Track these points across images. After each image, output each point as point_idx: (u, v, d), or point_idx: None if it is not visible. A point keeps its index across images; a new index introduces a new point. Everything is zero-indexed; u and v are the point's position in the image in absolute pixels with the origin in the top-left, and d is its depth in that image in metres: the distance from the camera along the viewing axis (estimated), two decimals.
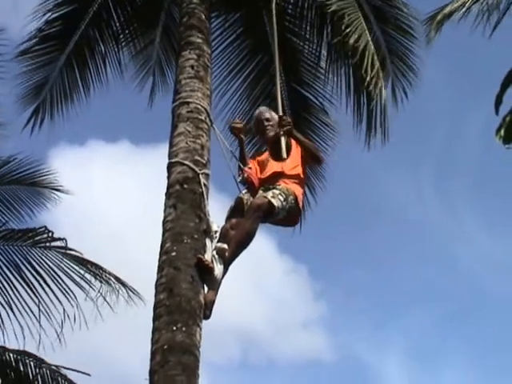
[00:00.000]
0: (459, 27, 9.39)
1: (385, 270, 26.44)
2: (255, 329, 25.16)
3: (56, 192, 11.50)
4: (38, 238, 10.08)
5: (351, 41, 8.50)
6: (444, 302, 26.26)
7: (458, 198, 26.93)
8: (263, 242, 21.28)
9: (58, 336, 9.44)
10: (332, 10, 8.75)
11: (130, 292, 10.06)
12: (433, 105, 22.03)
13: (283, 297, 24.74)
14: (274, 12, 8.11)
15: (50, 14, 10.28)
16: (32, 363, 10.02)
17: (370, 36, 8.93)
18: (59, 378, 10.05)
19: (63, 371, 10.10)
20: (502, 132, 4.36)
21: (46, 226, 10.15)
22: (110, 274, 10.08)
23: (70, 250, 9.96)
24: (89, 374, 9.65)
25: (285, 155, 6.78)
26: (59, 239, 10.00)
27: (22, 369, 9.95)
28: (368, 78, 8.33)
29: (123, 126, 24.06)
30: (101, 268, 10.03)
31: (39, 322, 9.57)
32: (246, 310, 23.16)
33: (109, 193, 20.18)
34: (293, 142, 7.01)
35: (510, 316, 24.48)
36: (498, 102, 4.39)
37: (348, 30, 8.55)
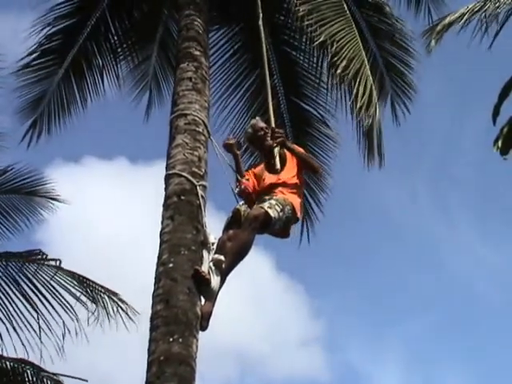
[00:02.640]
0: (458, 38, 9.42)
1: (381, 279, 26.33)
2: (252, 347, 25.01)
3: (53, 201, 11.48)
4: (33, 257, 10.07)
5: (338, 70, 8.45)
6: (439, 310, 26.23)
7: (453, 205, 26.90)
8: (261, 261, 21.31)
9: (59, 349, 9.43)
10: (320, 42, 8.67)
11: (124, 306, 10.04)
12: (431, 114, 22.09)
13: (280, 315, 24.61)
14: (261, 28, 8.07)
15: (49, 28, 10.31)
16: (29, 371, 9.95)
17: (367, 56, 8.92)
18: None
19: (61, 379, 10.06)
20: (500, 143, 4.37)
21: (40, 249, 10.14)
22: (105, 289, 10.09)
23: (64, 270, 9.94)
24: (86, 380, 9.62)
25: (278, 167, 6.77)
26: (53, 260, 9.98)
27: (19, 378, 9.88)
28: (358, 106, 8.29)
29: (120, 144, 24.06)
30: (95, 284, 10.04)
31: (39, 337, 9.54)
32: (243, 329, 23.02)
33: (104, 208, 20.06)
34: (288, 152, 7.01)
35: (506, 323, 24.38)
36: (496, 112, 4.41)
37: (335, 59, 8.48)
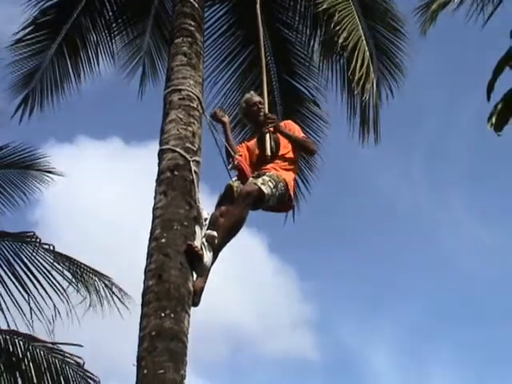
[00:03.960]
0: (453, 16, 9.38)
1: (373, 260, 26.38)
2: (244, 328, 25.10)
3: (48, 174, 11.46)
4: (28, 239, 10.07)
5: (340, 40, 8.46)
6: (431, 290, 26.33)
7: (448, 184, 26.90)
8: (254, 242, 21.35)
9: (50, 332, 9.45)
10: (323, 9, 8.70)
11: (119, 291, 10.10)
12: (426, 92, 22.08)
13: (272, 296, 24.68)
14: (258, 9, 8.06)
15: (44, 1, 10.24)
16: (21, 342, 9.95)
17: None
18: (50, 357, 9.98)
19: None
20: (494, 119, 4.34)
21: (34, 232, 10.14)
22: (98, 273, 10.13)
23: (59, 253, 9.96)
24: (81, 346, 9.62)
25: (268, 153, 6.76)
26: (47, 244, 9.99)
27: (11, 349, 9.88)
28: (356, 78, 8.29)
29: (114, 124, 23.98)
30: (86, 267, 10.08)
31: (31, 318, 9.57)
32: (235, 309, 23.12)
33: (99, 188, 20.06)
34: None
35: (500, 308, 24.51)
36: (490, 88, 4.37)
37: (338, 28, 8.51)
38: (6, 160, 11.41)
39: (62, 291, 9.71)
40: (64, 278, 9.83)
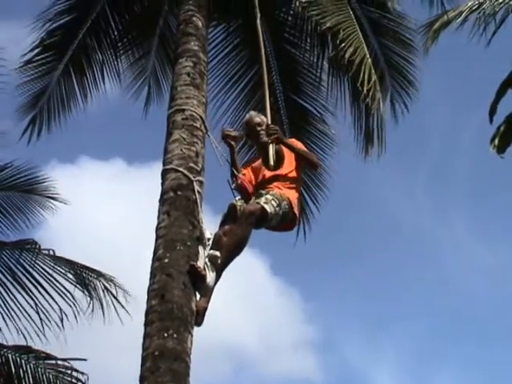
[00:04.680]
0: (456, 36, 9.40)
1: (376, 279, 26.30)
2: (247, 348, 25.02)
3: (51, 200, 11.45)
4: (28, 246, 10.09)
5: (347, 55, 8.53)
6: (435, 310, 26.22)
7: (450, 204, 26.85)
8: (256, 263, 21.34)
9: (58, 335, 9.47)
10: (327, 27, 8.75)
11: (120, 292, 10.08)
12: (429, 112, 22.03)
13: (275, 317, 24.57)
14: (259, 28, 8.04)
15: (50, 23, 10.30)
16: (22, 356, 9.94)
17: (368, 50, 8.96)
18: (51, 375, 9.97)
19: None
20: (496, 141, 4.34)
21: (33, 239, 10.15)
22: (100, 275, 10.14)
23: (59, 258, 9.98)
24: (85, 359, 9.60)
25: (272, 163, 6.69)
26: (47, 249, 10.00)
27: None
28: (365, 91, 8.34)
29: (116, 145, 24.02)
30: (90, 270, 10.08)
31: (40, 325, 9.59)
32: (239, 330, 23.04)
33: (101, 210, 20.03)
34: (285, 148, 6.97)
35: (503, 328, 24.38)
36: (493, 111, 4.38)
37: (343, 45, 8.58)
38: (9, 181, 11.41)
39: (69, 295, 9.71)
40: (67, 280, 9.83)
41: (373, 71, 8.61)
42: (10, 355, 9.88)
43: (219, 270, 6.19)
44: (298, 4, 9.60)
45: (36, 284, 9.77)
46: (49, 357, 9.92)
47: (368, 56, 8.77)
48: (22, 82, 10.42)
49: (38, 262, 9.83)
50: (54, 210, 11.49)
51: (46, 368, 9.91)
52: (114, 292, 10.04)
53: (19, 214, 11.47)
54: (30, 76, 10.44)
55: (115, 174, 24.85)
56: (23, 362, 9.88)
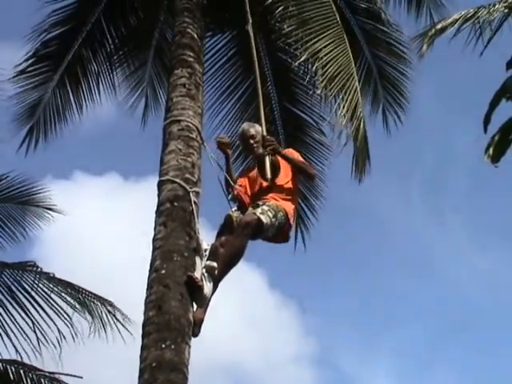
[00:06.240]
0: (450, 45, 9.41)
1: (373, 288, 26.26)
2: (245, 363, 24.94)
3: (48, 211, 11.43)
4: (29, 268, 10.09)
5: (318, 91, 8.53)
6: (431, 317, 26.23)
7: (446, 212, 26.89)
8: (254, 277, 21.31)
9: (57, 355, 9.46)
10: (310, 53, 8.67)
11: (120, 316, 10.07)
12: (423, 120, 22.09)
13: (273, 331, 24.50)
14: (251, 34, 7.96)
15: (45, 34, 10.29)
16: (22, 371, 9.91)
17: (360, 64, 8.94)
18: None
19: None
20: (491, 151, 4.34)
21: (34, 262, 10.16)
22: (100, 298, 10.13)
23: (60, 280, 9.98)
24: (81, 377, 9.59)
25: (269, 176, 6.70)
26: (47, 273, 10.00)
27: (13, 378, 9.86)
28: (342, 122, 8.28)
29: (112, 159, 23.99)
30: (89, 293, 10.08)
31: (39, 344, 9.57)
32: (236, 345, 22.96)
33: (97, 225, 19.94)
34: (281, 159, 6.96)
35: (498, 334, 24.41)
36: (487, 120, 4.38)
37: (317, 77, 8.55)
38: (5, 193, 11.36)
39: (67, 316, 9.71)
40: (66, 303, 9.82)
41: (358, 93, 8.45)
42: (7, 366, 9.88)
43: (216, 281, 6.20)
44: (281, 26, 9.42)
45: (35, 305, 9.76)
46: (43, 372, 9.91)
47: (355, 76, 8.56)
48: (17, 92, 10.42)
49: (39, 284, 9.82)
50: (50, 220, 11.46)
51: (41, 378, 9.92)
52: (113, 313, 10.03)
53: (16, 226, 11.43)
54: (24, 86, 10.43)
55: (111, 189, 24.81)
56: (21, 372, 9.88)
